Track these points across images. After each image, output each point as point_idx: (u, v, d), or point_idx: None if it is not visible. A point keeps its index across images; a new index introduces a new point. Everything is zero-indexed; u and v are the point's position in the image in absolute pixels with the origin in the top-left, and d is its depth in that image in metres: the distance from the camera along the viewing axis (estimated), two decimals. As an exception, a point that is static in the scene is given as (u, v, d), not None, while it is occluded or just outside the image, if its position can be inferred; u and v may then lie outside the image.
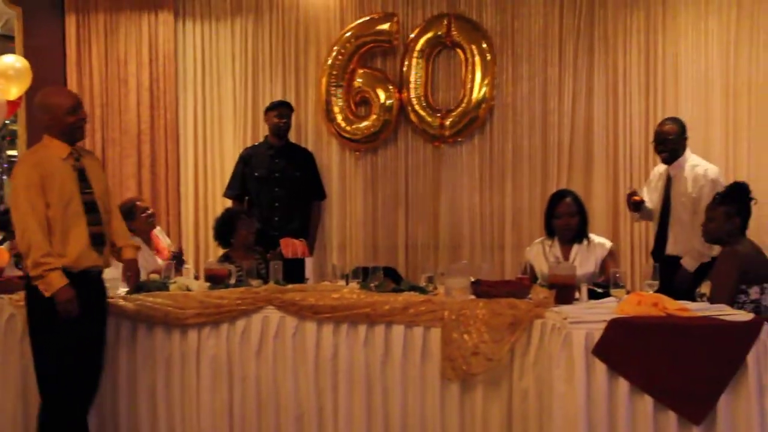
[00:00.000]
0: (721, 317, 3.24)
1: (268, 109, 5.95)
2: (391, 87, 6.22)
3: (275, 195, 5.80)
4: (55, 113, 3.70)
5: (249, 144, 6.25)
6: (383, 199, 6.36)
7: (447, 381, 3.53)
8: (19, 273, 4.39)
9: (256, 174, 5.85)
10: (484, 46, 6.09)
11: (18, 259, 4.66)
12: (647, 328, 3.17)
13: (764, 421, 3.02)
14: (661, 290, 3.59)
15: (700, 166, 4.84)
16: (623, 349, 3.12)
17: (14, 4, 6.49)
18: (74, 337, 3.59)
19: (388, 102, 6.21)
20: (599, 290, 3.88)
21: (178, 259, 4.93)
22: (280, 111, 5.89)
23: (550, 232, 4.59)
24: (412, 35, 6.21)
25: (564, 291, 3.61)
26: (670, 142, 4.88)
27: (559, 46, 6.09)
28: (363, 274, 4.17)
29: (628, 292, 3.68)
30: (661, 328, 3.16)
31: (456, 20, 6.13)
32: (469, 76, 6.13)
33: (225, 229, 5.03)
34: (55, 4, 6.54)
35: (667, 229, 4.92)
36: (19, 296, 3.86)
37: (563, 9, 6.08)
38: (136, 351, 3.93)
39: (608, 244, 4.56)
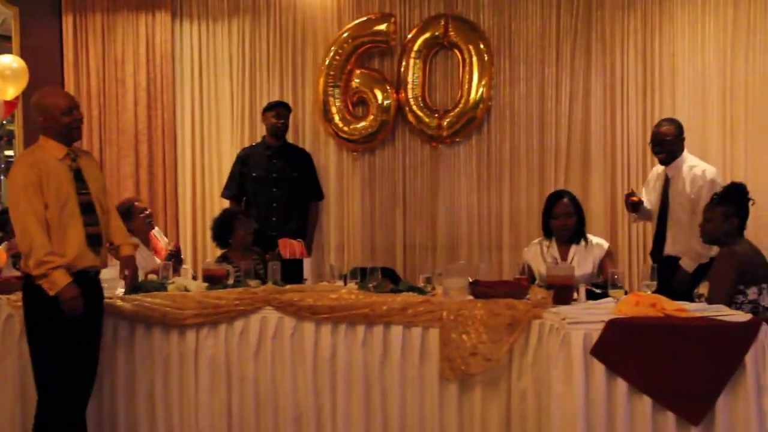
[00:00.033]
0: (719, 318, 3.26)
1: (266, 110, 5.95)
2: (388, 87, 6.22)
3: (273, 195, 5.80)
4: (51, 114, 3.70)
5: (246, 144, 6.25)
6: (381, 200, 6.36)
7: (445, 381, 3.53)
8: (17, 273, 4.38)
9: (253, 174, 5.85)
10: (482, 46, 6.09)
11: (16, 259, 4.65)
12: (645, 328, 3.17)
13: (762, 422, 3.03)
14: (659, 291, 3.59)
15: (698, 167, 4.84)
16: (621, 349, 3.13)
17: (11, 4, 6.47)
18: (72, 337, 3.59)
19: (386, 102, 6.21)
20: (597, 291, 3.89)
21: (176, 258, 4.92)
22: (278, 111, 5.89)
23: (548, 232, 4.59)
24: (410, 36, 6.21)
25: (562, 291, 3.61)
26: (668, 143, 4.88)
27: (556, 47, 6.10)
28: (361, 275, 4.17)
29: (626, 293, 3.67)
30: (659, 328, 3.17)
31: (453, 21, 6.13)
32: (467, 77, 6.13)
33: (223, 229, 5.03)
34: (53, 4, 6.53)
35: (666, 230, 4.92)
36: (17, 296, 3.85)
37: (560, 10, 6.08)
38: (135, 351, 3.93)
39: (606, 244, 4.57)
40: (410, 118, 6.22)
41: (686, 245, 4.72)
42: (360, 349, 3.67)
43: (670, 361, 3.08)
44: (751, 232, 4.12)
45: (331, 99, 6.27)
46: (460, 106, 6.13)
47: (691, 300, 3.81)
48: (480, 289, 3.70)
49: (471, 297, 3.70)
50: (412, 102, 6.19)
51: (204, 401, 3.85)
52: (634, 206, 5.00)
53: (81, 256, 3.65)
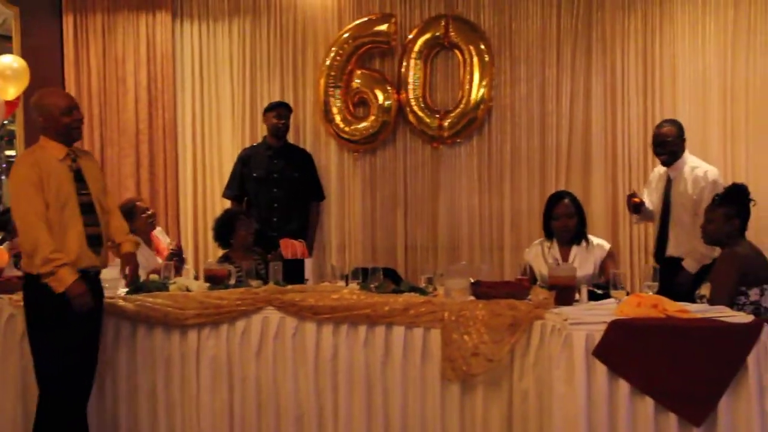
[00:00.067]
0: (720, 319, 3.26)
1: (267, 110, 5.95)
2: (389, 88, 6.22)
3: (274, 196, 5.80)
4: (51, 114, 3.71)
5: (247, 144, 6.25)
6: (382, 200, 6.36)
7: (447, 382, 3.53)
8: (19, 273, 4.38)
9: (254, 175, 5.85)
10: (482, 47, 6.10)
11: (17, 259, 4.65)
12: (647, 329, 3.17)
13: (764, 423, 3.02)
14: (661, 292, 3.58)
15: (700, 168, 4.84)
16: (623, 350, 3.13)
17: (12, 4, 6.47)
18: (72, 336, 3.60)
19: (387, 103, 6.21)
20: (599, 291, 3.89)
21: (178, 257, 4.93)
22: (279, 112, 5.89)
23: (549, 233, 4.60)
24: (410, 36, 6.21)
25: (564, 292, 3.61)
26: (669, 144, 4.88)
27: (556, 48, 6.10)
28: (362, 275, 4.17)
29: (627, 294, 3.68)
30: (661, 329, 3.17)
31: (454, 21, 6.14)
32: (467, 77, 6.13)
33: (224, 229, 5.03)
34: (53, 4, 6.53)
35: (668, 231, 4.92)
36: (19, 296, 3.85)
37: (561, 10, 6.09)
38: (136, 351, 3.93)
39: (607, 245, 4.57)
40: (411, 118, 6.22)
41: (688, 246, 4.72)
42: (362, 349, 3.67)
43: (672, 362, 3.08)
44: (752, 233, 4.12)
45: (331, 99, 6.27)
46: (461, 106, 6.13)
47: (693, 301, 3.82)
48: (481, 290, 3.70)
49: (472, 297, 3.70)
50: (412, 102, 6.19)
51: (205, 401, 3.85)
52: (636, 207, 4.99)
53: (81, 257, 3.65)
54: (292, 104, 6.15)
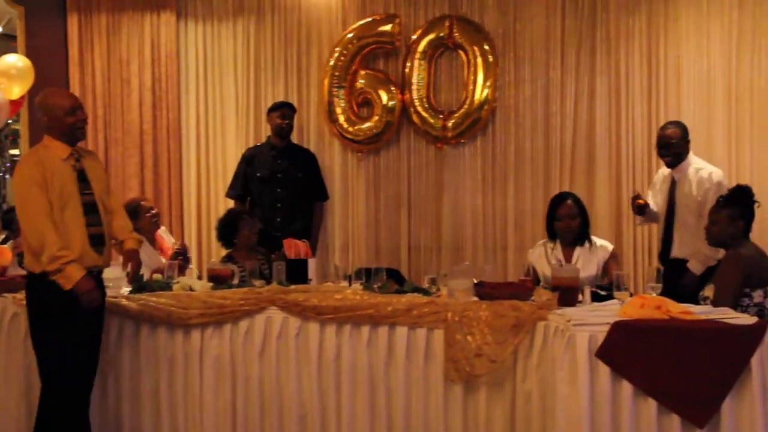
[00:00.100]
0: (724, 320, 3.25)
1: (271, 110, 5.95)
2: (393, 88, 6.22)
3: (277, 196, 5.81)
4: (55, 114, 3.72)
5: (251, 144, 6.26)
6: (385, 201, 6.36)
7: (450, 382, 3.53)
8: (22, 272, 4.38)
9: (258, 174, 5.85)
10: (486, 47, 6.09)
11: (21, 258, 4.65)
12: (651, 330, 3.17)
13: (768, 425, 3.02)
14: (666, 293, 3.57)
15: (704, 170, 4.83)
16: (627, 351, 3.12)
17: (17, 4, 6.49)
18: (75, 334, 3.61)
19: (391, 103, 6.21)
20: (602, 293, 3.89)
21: (183, 256, 4.93)
22: (283, 112, 5.90)
23: (552, 234, 4.59)
24: (414, 36, 6.21)
25: (567, 293, 3.61)
26: (674, 146, 4.86)
27: (561, 49, 6.10)
28: (366, 275, 4.17)
29: (631, 295, 3.67)
30: (664, 331, 3.16)
31: (458, 22, 6.13)
32: (471, 78, 6.13)
33: (228, 229, 5.03)
34: (58, 4, 6.53)
35: (672, 233, 4.91)
36: (22, 295, 3.86)
37: (565, 11, 6.08)
38: (140, 351, 3.93)
39: (610, 246, 4.57)
40: (415, 119, 6.22)
41: (693, 248, 4.71)
42: (365, 349, 3.67)
43: (676, 363, 3.08)
44: (756, 235, 4.12)
45: (335, 99, 6.28)
46: (465, 107, 6.13)
47: (697, 303, 3.81)
48: (485, 291, 3.70)
49: (476, 298, 3.70)
50: (416, 103, 6.19)
51: (209, 401, 3.85)
52: (641, 209, 4.98)
53: (83, 256, 3.66)
54: (296, 104, 6.15)
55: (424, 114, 6.18)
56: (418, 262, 6.27)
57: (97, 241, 3.74)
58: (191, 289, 4.02)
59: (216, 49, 6.53)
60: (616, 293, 3.71)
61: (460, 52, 6.18)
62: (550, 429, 3.23)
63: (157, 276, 4.33)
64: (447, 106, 6.23)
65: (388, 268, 4.26)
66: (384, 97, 6.22)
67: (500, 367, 3.43)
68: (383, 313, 3.63)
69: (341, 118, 6.28)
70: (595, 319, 3.29)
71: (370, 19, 6.26)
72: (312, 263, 4.47)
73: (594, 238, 4.56)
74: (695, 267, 4.67)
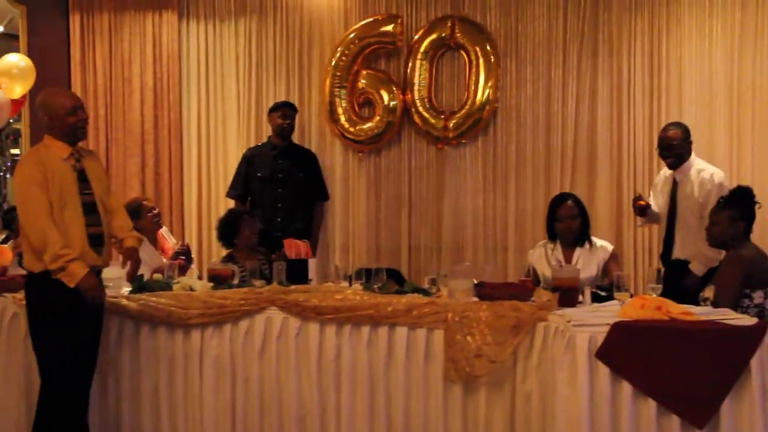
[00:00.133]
0: (724, 321, 3.24)
1: (272, 110, 5.95)
2: (394, 88, 6.22)
3: (278, 196, 5.81)
4: (56, 114, 3.72)
5: (252, 144, 6.27)
6: (386, 201, 6.36)
7: (450, 383, 3.53)
8: (22, 272, 4.38)
9: (259, 174, 5.85)
10: (488, 48, 6.09)
11: (21, 258, 4.65)
12: (651, 331, 3.16)
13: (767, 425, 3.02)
14: (668, 294, 3.57)
15: (706, 171, 4.82)
16: (626, 352, 3.12)
17: (19, 3, 6.50)
18: (78, 332, 3.62)
19: (392, 103, 6.21)
20: (602, 293, 3.88)
21: (186, 256, 4.92)
22: (284, 112, 5.90)
23: (552, 235, 4.59)
24: (416, 37, 6.21)
25: (567, 294, 3.61)
26: (675, 148, 4.86)
27: (563, 49, 6.10)
28: (366, 276, 4.17)
29: (631, 296, 3.67)
30: (664, 331, 3.16)
31: (460, 22, 6.14)
32: (473, 78, 6.13)
33: (228, 229, 5.03)
34: (60, 4, 6.55)
35: (674, 234, 4.90)
36: (23, 295, 3.86)
37: (567, 12, 6.08)
38: (139, 351, 3.93)
39: (610, 247, 4.57)
40: (416, 119, 6.22)
41: (695, 249, 4.70)
42: (365, 349, 3.66)
43: (676, 364, 3.07)
44: (757, 236, 4.11)
45: (337, 100, 6.28)
46: (467, 107, 6.13)
47: (697, 303, 3.80)
48: (485, 291, 3.70)
49: (476, 299, 3.70)
50: (418, 103, 6.19)
51: (208, 401, 3.85)
52: (642, 210, 4.98)
53: (83, 256, 3.65)
54: (297, 104, 6.15)
55: (426, 114, 6.18)
56: (418, 263, 6.27)
57: (96, 241, 3.74)
58: (191, 289, 4.02)
59: (218, 49, 6.53)
60: (616, 294, 3.71)
61: (462, 52, 6.18)
62: (550, 429, 3.22)
63: (158, 276, 4.33)
64: (448, 106, 6.23)
65: (388, 268, 4.26)
66: (385, 97, 6.22)
67: (500, 368, 3.43)
68: (383, 314, 3.62)
69: (342, 118, 6.28)
70: (595, 319, 3.28)
71: (371, 19, 6.26)
72: (312, 263, 4.47)
73: (594, 239, 4.56)
74: (697, 268, 4.66)
